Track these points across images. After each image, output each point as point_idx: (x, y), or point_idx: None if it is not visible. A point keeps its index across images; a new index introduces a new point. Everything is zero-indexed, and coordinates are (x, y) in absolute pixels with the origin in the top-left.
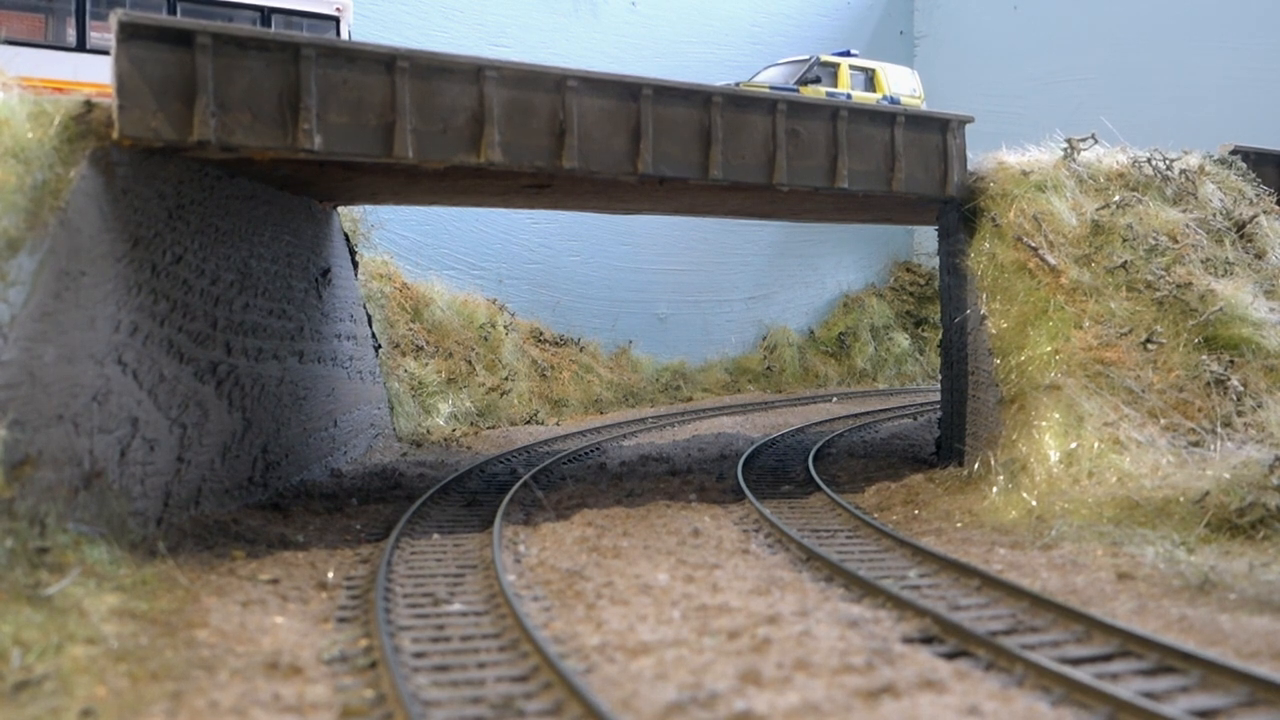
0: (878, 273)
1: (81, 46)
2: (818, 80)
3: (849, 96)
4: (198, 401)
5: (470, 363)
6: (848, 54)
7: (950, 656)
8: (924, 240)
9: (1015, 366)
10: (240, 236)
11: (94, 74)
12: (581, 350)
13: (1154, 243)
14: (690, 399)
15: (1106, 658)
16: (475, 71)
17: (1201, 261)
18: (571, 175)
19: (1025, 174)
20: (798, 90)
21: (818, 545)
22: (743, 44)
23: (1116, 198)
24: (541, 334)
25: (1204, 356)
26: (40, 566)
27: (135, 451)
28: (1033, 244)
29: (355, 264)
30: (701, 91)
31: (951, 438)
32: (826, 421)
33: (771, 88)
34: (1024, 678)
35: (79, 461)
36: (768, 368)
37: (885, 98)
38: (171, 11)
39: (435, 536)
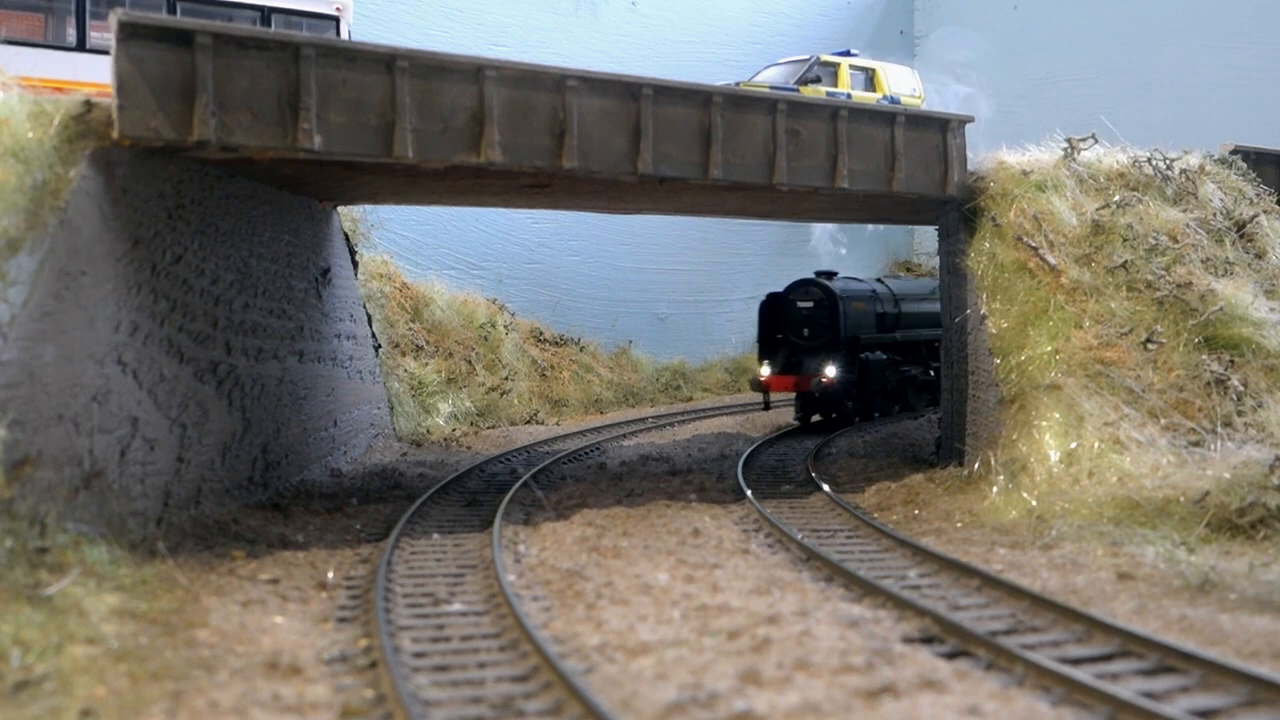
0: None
1: (81, 46)
2: (818, 80)
3: (849, 96)
4: (198, 401)
5: (470, 362)
6: (848, 54)
7: (950, 656)
8: (924, 240)
9: (1015, 366)
10: (240, 236)
11: (94, 74)
12: (581, 350)
13: (1154, 242)
14: (690, 399)
15: (1107, 658)
16: (475, 71)
17: (1201, 261)
18: (571, 175)
19: (1025, 174)
20: (798, 90)
21: (818, 545)
22: (743, 44)
23: (1117, 197)
24: (541, 334)
25: (1204, 356)
26: (40, 566)
27: (135, 451)
28: (1033, 244)
29: (355, 264)
30: (701, 91)
31: (951, 438)
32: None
33: (771, 88)
34: (1024, 678)
35: (79, 461)
36: None
37: (885, 97)
38: (171, 11)
39: (435, 536)
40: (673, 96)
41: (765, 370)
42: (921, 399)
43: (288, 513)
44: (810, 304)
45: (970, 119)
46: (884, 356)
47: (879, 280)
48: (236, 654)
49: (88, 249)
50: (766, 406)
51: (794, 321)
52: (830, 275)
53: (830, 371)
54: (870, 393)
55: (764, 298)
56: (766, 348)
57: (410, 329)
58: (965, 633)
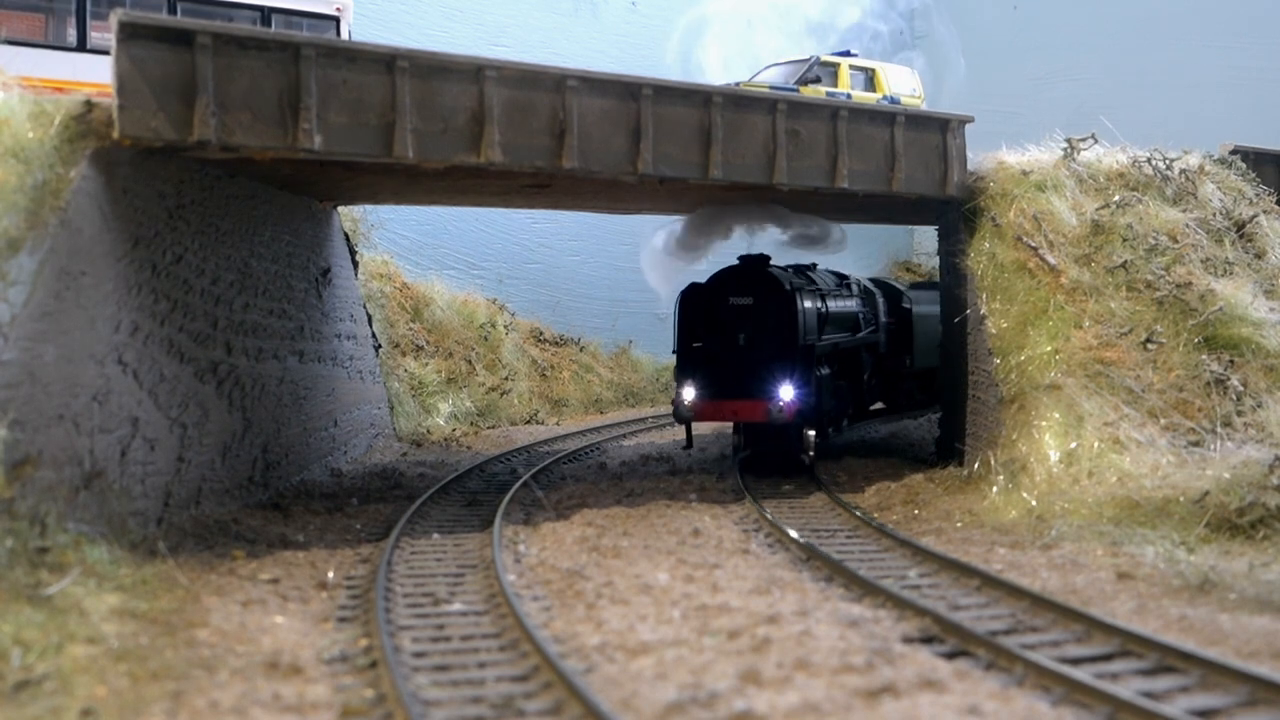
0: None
1: (82, 46)
2: (818, 80)
3: (849, 96)
4: (198, 401)
5: (470, 362)
6: (848, 54)
7: (950, 656)
8: (924, 240)
9: (1015, 366)
10: (240, 236)
11: (94, 74)
12: (581, 350)
13: (1154, 242)
14: None
15: (1106, 657)
16: (475, 71)
17: (1201, 261)
18: (571, 175)
19: (1025, 174)
20: (798, 90)
21: (818, 545)
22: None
23: (1116, 197)
24: (541, 334)
25: (1204, 356)
26: (40, 566)
27: (135, 451)
28: (1033, 244)
29: (355, 264)
30: (701, 91)
31: (951, 437)
32: None
33: (771, 88)
34: (1024, 677)
35: (79, 461)
36: None
37: (885, 98)
38: (171, 11)
39: (435, 536)
40: (673, 96)
41: (689, 393)
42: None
43: (288, 513)
44: (749, 300)
45: (970, 119)
46: (828, 370)
47: (795, 270)
48: (237, 654)
49: (88, 249)
50: (689, 444)
51: (725, 324)
52: (764, 260)
53: (788, 393)
54: (824, 419)
55: (682, 291)
56: (688, 361)
57: (410, 329)
58: (965, 632)
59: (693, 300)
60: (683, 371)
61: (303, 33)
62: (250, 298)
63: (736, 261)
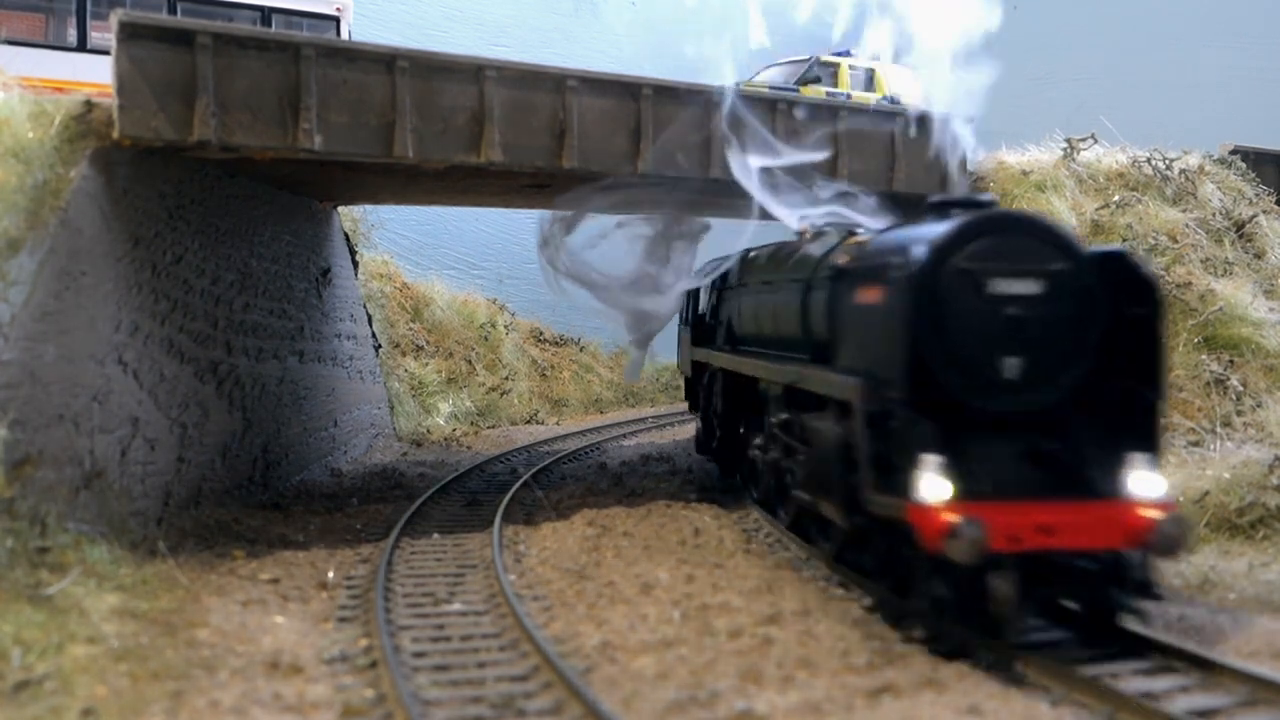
0: None
1: (82, 46)
2: (818, 80)
3: (849, 96)
4: (198, 401)
5: (470, 362)
6: (848, 54)
7: (950, 656)
8: None
9: None
10: (240, 236)
11: (94, 74)
12: (581, 350)
13: (1154, 242)
14: None
15: (1106, 657)
16: (475, 71)
17: (1201, 261)
18: (571, 175)
19: (1025, 174)
20: (798, 90)
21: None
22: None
23: (1116, 197)
24: (541, 334)
25: (1204, 356)
26: (41, 566)
27: (136, 451)
28: None
29: (355, 264)
30: (702, 92)
31: None
32: None
33: (771, 88)
34: (1023, 677)
35: (79, 461)
36: None
37: (885, 98)
38: (172, 11)
39: (435, 536)
40: (673, 96)
41: (932, 484)
42: None
43: (288, 513)
44: (1039, 288)
45: (970, 119)
46: None
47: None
48: (237, 653)
49: (88, 249)
50: (950, 616)
51: (985, 337)
52: (977, 203)
53: (1155, 485)
54: None
55: (834, 269)
56: (916, 412)
57: (410, 329)
58: (965, 632)
59: (923, 293)
60: (892, 437)
61: (303, 33)
62: (250, 298)
63: (935, 210)
